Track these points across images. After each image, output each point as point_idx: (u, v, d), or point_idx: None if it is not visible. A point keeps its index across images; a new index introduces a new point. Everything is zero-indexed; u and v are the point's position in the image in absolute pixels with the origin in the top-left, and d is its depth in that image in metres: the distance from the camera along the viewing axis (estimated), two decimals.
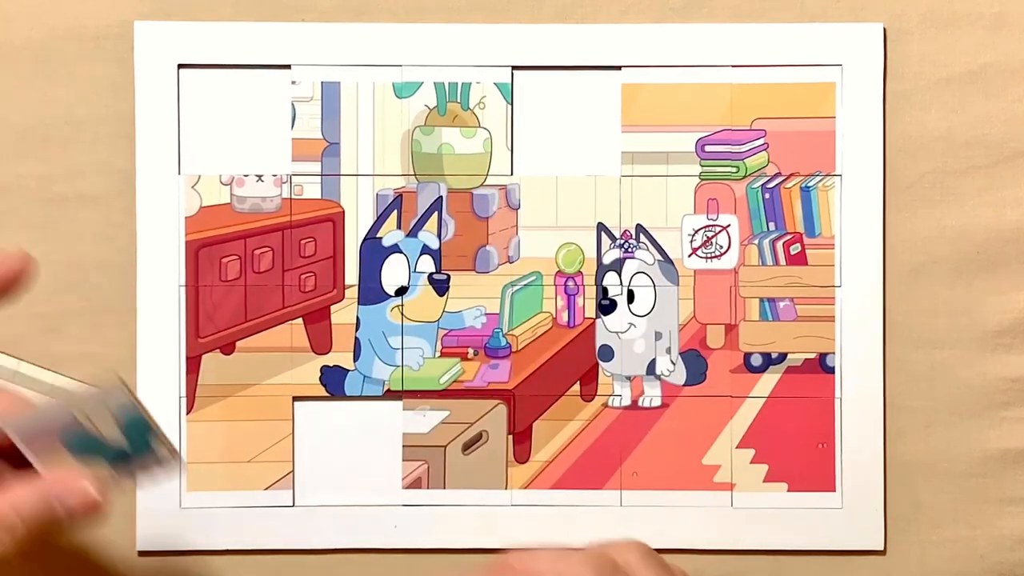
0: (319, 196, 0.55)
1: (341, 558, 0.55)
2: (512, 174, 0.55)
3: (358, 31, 0.54)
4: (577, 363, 0.55)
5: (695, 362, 0.55)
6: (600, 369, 0.55)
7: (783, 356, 0.55)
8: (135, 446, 0.44)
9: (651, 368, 0.55)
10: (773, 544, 0.55)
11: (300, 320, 0.55)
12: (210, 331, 0.54)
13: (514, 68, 0.55)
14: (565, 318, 0.55)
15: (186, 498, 0.54)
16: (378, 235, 0.55)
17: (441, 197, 0.55)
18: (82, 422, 0.43)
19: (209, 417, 0.54)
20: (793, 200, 0.55)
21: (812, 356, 0.55)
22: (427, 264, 0.55)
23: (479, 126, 0.55)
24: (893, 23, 0.55)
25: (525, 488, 0.55)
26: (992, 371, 0.55)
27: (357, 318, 0.55)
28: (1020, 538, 0.55)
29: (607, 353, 0.55)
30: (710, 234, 0.55)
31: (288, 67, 0.54)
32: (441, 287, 0.55)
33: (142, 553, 0.55)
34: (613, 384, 0.55)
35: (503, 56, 0.54)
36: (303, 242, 0.54)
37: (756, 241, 0.55)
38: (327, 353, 0.55)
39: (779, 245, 0.55)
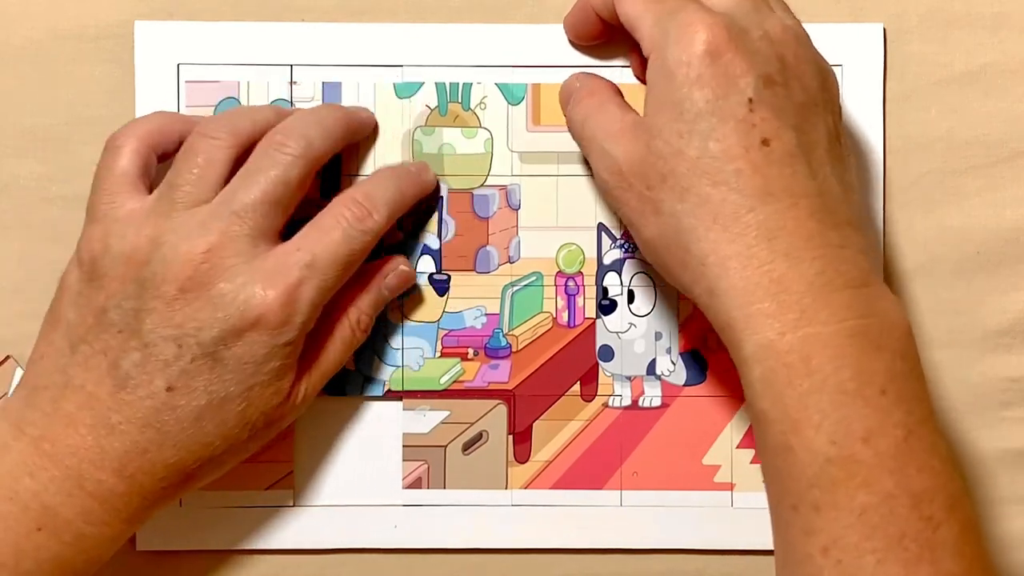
0: (319, 196, 0.55)
1: (341, 558, 0.55)
2: (513, 174, 0.55)
3: (358, 31, 0.54)
4: (577, 363, 0.55)
5: (695, 362, 0.55)
6: (600, 369, 0.55)
7: None
8: None
9: (651, 368, 0.55)
10: (773, 544, 0.55)
11: None
12: None
13: (515, 68, 0.55)
14: (565, 318, 0.55)
15: (186, 498, 0.54)
16: None
17: (441, 197, 0.55)
18: None
19: None
20: None
21: None
22: (427, 264, 0.55)
23: (480, 126, 0.55)
24: (893, 23, 0.55)
25: (525, 488, 0.55)
26: (992, 371, 0.55)
27: None
28: (1020, 538, 0.55)
29: (607, 353, 0.55)
30: None
31: (289, 67, 0.54)
32: (441, 287, 0.55)
33: (142, 552, 0.55)
34: (613, 384, 0.55)
35: (504, 56, 0.54)
36: None
37: None
38: None
39: None
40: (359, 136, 0.54)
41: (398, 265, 0.53)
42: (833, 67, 0.54)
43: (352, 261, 0.49)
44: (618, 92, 0.51)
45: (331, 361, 0.51)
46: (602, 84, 0.52)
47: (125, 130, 0.50)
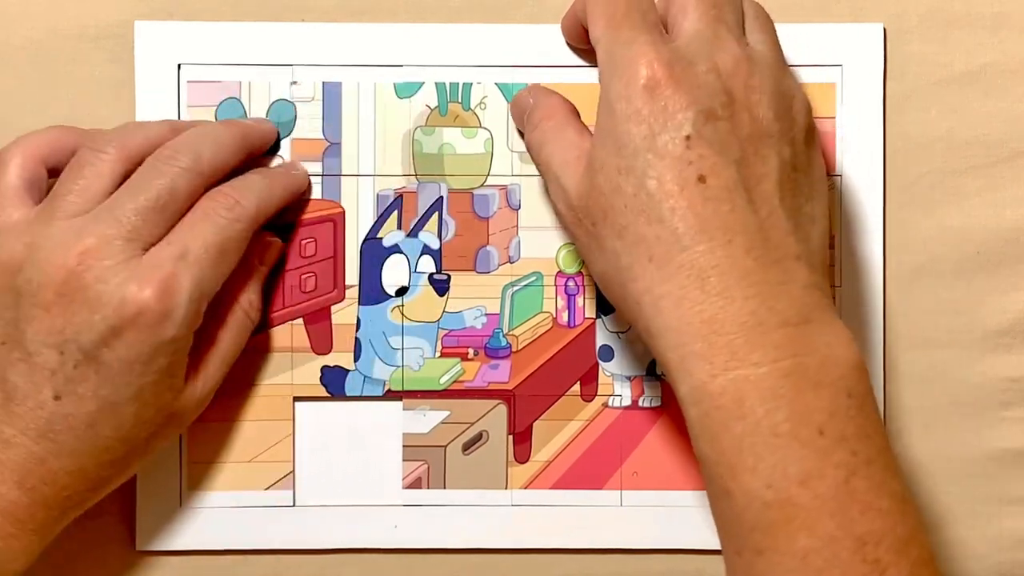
0: (320, 196, 0.55)
1: (341, 558, 0.55)
2: (513, 174, 0.55)
3: (358, 31, 0.54)
4: (577, 363, 0.55)
5: None
6: (600, 369, 0.55)
7: None
8: None
9: (651, 368, 0.55)
10: None
11: (300, 320, 0.55)
12: None
13: (515, 68, 0.55)
14: (565, 318, 0.55)
15: (186, 498, 0.54)
16: (378, 235, 0.55)
17: (442, 197, 0.55)
18: None
19: (209, 417, 0.54)
20: None
21: None
22: (427, 264, 0.55)
23: (480, 126, 0.55)
24: (893, 23, 0.55)
25: (525, 488, 0.55)
26: (992, 371, 0.55)
27: (357, 318, 0.55)
28: (1020, 538, 0.55)
29: (607, 353, 0.55)
30: None
31: (290, 67, 0.54)
32: (441, 287, 0.55)
33: (142, 553, 0.55)
34: (613, 384, 0.55)
35: (504, 56, 0.54)
36: (303, 242, 0.55)
37: None
38: (327, 353, 0.55)
39: None
40: (257, 150, 0.53)
41: (264, 238, 0.53)
42: (833, 67, 0.54)
43: (226, 249, 0.49)
44: (574, 112, 0.51)
45: (227, 350, 0.51)
46: (558, 104, 0.51)
47: (14, 144, 0.50)
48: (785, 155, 0.45)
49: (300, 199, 0.54)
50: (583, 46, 0.53)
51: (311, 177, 0.54)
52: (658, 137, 0.44)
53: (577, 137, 0.48)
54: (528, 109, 0.52)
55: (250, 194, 0.50)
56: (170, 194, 0.48)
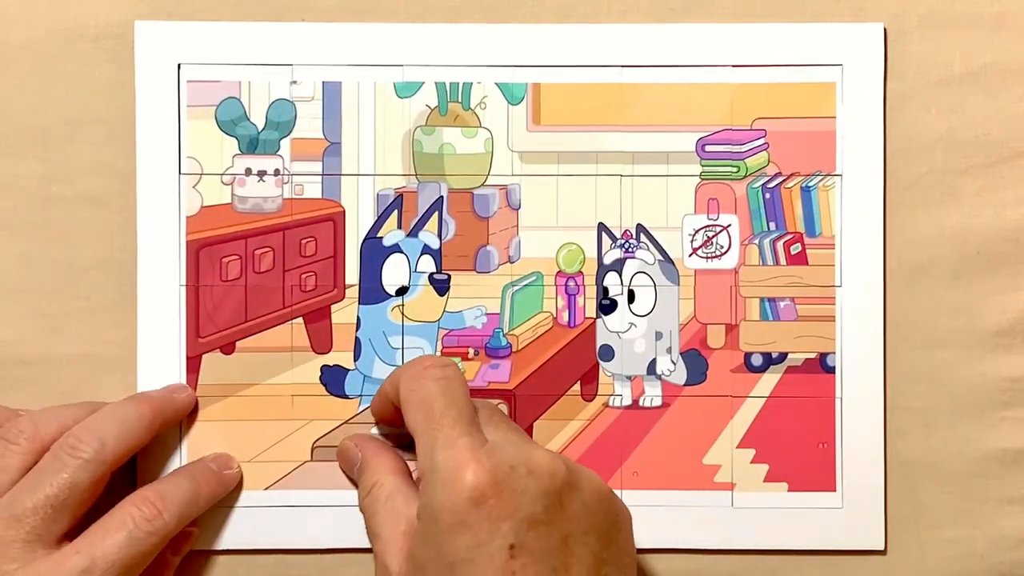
0: (320, 196, 0.55)
1: (341, 558, 0.55)
2: (513, 174, 0.55)
3: (359, 31, 0.54)
4: (577, 363, 0.55)
5: (695, 362, 0.55)
6: (600, 369, 0.55)
7: (783, 356, 0.55)
8: None
9: (651, 368, 0.55)
10: (773, 544, 0.55)
11: (300, 320, 0.55)
12: (210, 331, 0.54)
13: (515, 68, 0.55)
14: (565, 318, 0.55)
15: None
16: (379, 235, 0.55)
17: (442, 197, 0.55)
18: None
19: (209, 417, 0.54)
20: (793, 200, 0.55)
21: (812, 356, 0.55)
22: (427, 264, 0.55)
23: (480, 126, 0.55)
24: (893, 23, 0.55)
25: None
26: (992, 371, 0.55)
27: (358, 318, 0.55)
28: (1020, 538, 0.55)
29: (607, 353, 0.55)
30: (711, 234, 0.55)
31: (290, 67, 0.54)
32: (441, 287, 0.55)
33: None
34: (613, 384, 0.55)
35: (504, 56, 0.54)
36: (304, 242, 0.55)
37: (756, 241, 0.55)
38: (327, 353, 0.55)
39: (779, 245, 0.55)
40: (171, 425, 0.53)
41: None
42: (833, 67, 0.54)
43: (135, 564, 0.48)
44: (404, 471, 0.50)
45: None
46: (388, 465, 0.50)
47: None
48: (596, 549, 0.45)
49: None
50: (395, 427, 0.53)
51: (311, 177, 0.55)
52: (483, 548, 0.43)
53: (405, 507, 0.47)
54: (357, 463, 0.51)
55: (174, 505, 0.50)
56: (71, 489, 0.48)
